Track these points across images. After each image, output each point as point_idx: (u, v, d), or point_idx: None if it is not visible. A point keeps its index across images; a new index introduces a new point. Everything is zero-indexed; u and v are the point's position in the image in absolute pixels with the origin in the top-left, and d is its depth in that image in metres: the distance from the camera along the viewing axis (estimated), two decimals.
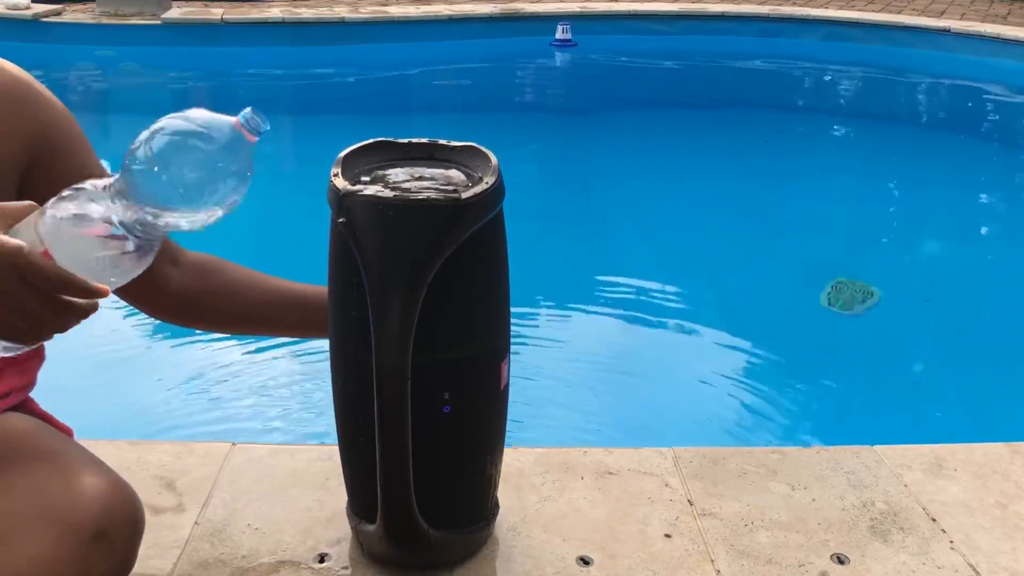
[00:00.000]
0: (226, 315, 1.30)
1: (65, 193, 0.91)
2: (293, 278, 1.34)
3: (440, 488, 1.22)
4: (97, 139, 1.19)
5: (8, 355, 0.94)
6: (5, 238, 0.86)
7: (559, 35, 7.71)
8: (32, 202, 0.91)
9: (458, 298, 1.14)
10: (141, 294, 1.26)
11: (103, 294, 0.89)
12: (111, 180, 0.91)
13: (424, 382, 1.13)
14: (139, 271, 0.93)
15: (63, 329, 0.89)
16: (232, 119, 0.92)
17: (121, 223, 0.90)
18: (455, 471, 1.23)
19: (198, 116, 0.91)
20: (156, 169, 0.89)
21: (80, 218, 0.89)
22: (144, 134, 0.90)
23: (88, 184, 0.91)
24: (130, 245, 0.91)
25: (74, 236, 0.89)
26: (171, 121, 0.91)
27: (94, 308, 0.89)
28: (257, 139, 0.92)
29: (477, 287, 1.16)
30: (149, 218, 0.91)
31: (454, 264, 1.10)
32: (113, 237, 0.90)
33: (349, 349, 1.18)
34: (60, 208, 0.90)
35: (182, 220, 0.92)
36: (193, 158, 0.89)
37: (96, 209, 0.90)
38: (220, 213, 0.92)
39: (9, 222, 0.88)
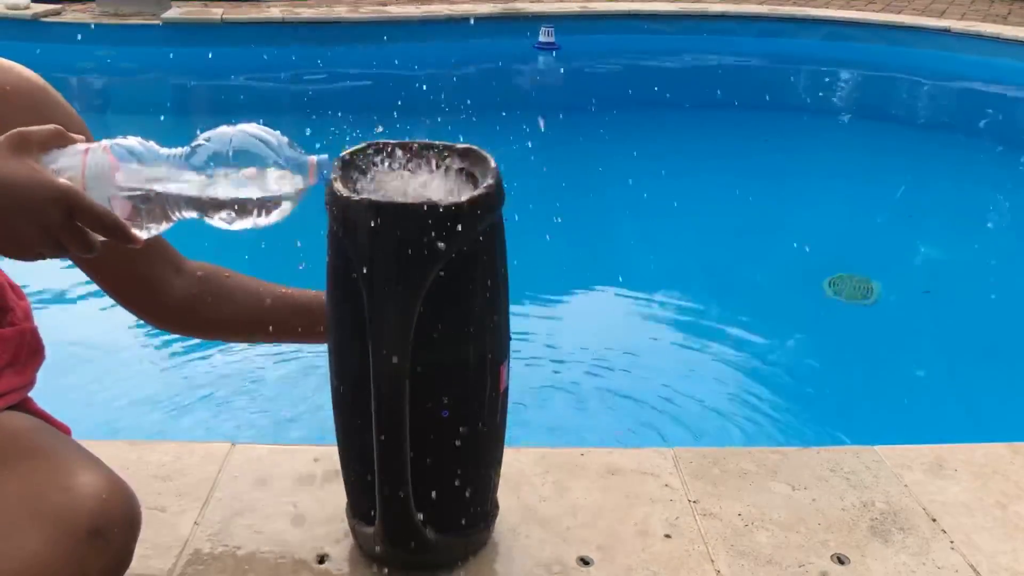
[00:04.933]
0: (228, 323, 1.31)
1: (118, 142, 0.95)
2: (293, 282, 1.34)
3: (439, 491, 1.21)
4: (98, 139, 1.20)
5: None
6: (57, 178, 0.90)
7: (543, 38, 7.64)
8: (59, 127, 0.95)
9: (457, 302, 1.13)
10: (144, 304, 1.26)
11: (138, 244, 0.95)
12: (170, 151, 0.96)
13: (423, 385, 1.13)
14: (135, 244, 0.97)
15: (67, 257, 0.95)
16: (308, 157, 0.98)
17: (158, 193, 0.95)
18: (454, 474, 1.22)
19: (277, 138, 0.98)
20: (217, 165, 0.94)
21: (126, 172, 0.94)
22: (223, 130, 0.96)
23: (142, 144, 0.96)
24: (146, 215, 0.95)
25: (111, 186, 0.93)
26: (253, 131, 0.97)
27: (98, 250, 0.94)
28: (313, 183, 0.99)
29: (477, 291, 1.15)
30: (178, 203, 0.95)
31: (453, 268, 1.10)
32: (142, 200, 0.94)
33: (347, 353, 1.18)
34: (107, 156, 0.94)
35: (209, 215, 0.96)
36: (261, 170, 0.95)
37: (143, 170, 0.94)
38: (244, 224, 0.98)
39: (41, 148, 0.92)
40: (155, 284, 1.24)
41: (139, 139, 0.96)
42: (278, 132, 0.99)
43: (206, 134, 0.96)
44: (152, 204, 0.95)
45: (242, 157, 0.95)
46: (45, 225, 0.89)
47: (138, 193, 0.94)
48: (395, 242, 1.07)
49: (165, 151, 0.97)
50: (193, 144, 0.96)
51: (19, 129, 0.92)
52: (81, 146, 0.95)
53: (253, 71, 7.09)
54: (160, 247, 1.25)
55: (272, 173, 0.96)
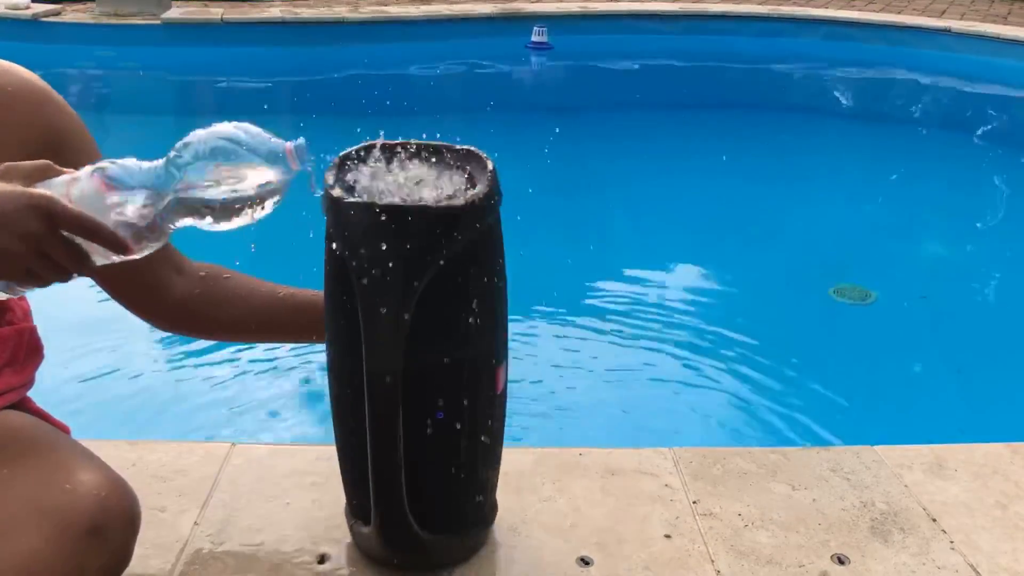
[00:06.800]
0: (228, 323, 1.31)
1: (100, 166, 0.96)
2: (292, 282, 1.34)
3: (436, 492, 1.21)
4: (98, 139, 1.20)
5: (3, 297, 1.01)
6: (33, 189, 0.90)
7: (535, 37, 7.62)
8: (47, 162, 0.96)
9: (454, 303, 1.13)
10: (145, 304, 1.26)
11: (129, 252, 0.95)
12: (152, 164, 0.97)
13: (419, 387, 1.12)
14: (133, 256, 0.99)
15: (68, 278, 0.95)
16: (284, 144, 0.99)
17: (144, 207, 0.96)
18: (450, 476, 1.22)
19: (251, 131, 0.98)
20: (200, 170, 0.96)
21: (111, 191, 0.95)
22: (199, 133, 0.97)
23: (127, 163, 0.97)
24: (139, 228, 0.96)
25: (100, 206, 0.94)
26: (227, 130, 0.98)
27: (93, 265, 0.95)
28: (296, 168, 1.00)
29: (474, 292, 1.15)
30: (171, 213, 0.96)
31: (450, 269, 1.09)
32: (134, 222, 0.95)
33: (343, 354, 1.18)
34: (93, 180, 0.95)
35: (203, 219, 0.98)
36: (236, 168, 0.97)
37: (128, 190, 0.95)
38: (239, 222, 0.99)
39: (26, 181, 0.93)
40: (156, 285, 1.24)
41: (119, 161, 0.97)
42: (249, 124, 0.99)
43: (181, 142, 0.97)
44: (143, 222, 0.96)
45: (220, 156, 0.96)
46: (25, 235, 0.88)
47: (128, 218, 0.95)
48: (391, 244, 1.06)
49: (146, 165, 0.97)
50: (170, 155, 0.96)
51: (5, 164, 0.93)
52: (67, 176, 0.95)
53: (253, 71, 7.10)
54: (161, 248, 1.25)
55: (251, 168, 0.97)
